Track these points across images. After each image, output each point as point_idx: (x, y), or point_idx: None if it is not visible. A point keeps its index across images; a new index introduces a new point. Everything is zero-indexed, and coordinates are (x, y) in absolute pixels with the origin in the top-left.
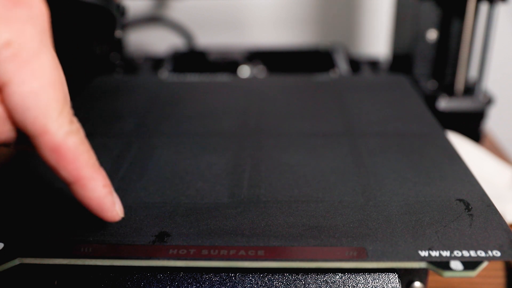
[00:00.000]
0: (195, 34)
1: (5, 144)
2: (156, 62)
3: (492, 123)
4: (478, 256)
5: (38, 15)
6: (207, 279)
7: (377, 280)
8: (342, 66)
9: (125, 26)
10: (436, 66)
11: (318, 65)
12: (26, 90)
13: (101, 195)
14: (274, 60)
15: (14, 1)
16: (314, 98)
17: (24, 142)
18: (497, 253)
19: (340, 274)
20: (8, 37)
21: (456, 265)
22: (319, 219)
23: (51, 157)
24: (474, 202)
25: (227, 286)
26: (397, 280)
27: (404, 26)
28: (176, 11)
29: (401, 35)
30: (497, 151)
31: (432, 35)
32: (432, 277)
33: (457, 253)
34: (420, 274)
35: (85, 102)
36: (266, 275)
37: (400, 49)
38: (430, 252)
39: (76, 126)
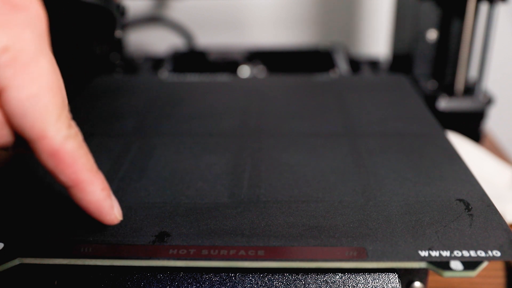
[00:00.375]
0: (195, 34)
1: (3, 148)
2: (156, 62)
3: (492, 123)
4: (478, 256)
5: (36, 19)
6: (207, 279)
7: (377, 280)
8: (342, 66)
9: (125, 26)
10: (436, 66)
11: (318, 65)
12: (24, 95)
13: (100, 198)
14: (274, 60)
15: (12, 5)
16: (314, 98)
17: (23, 145)
18: (497, 253)
19: (340, 274)
20: (6, 42)
21: (456, 265)
22: (319, 219)
23: (49, 162)
24: (474, 202)
25: (227, 286)
26: (397, 280)
27: (404, 26)
28: (176, 11)
29: (401, 35)
30: (497, 151)
31: (432, 35)
32: (432, 277)
33: (457, 253)
34: (420, 274)
35: (85, 102)
36: (266, 275)
37: (400, 49)
38: (430, 252)
39: (74, 130)
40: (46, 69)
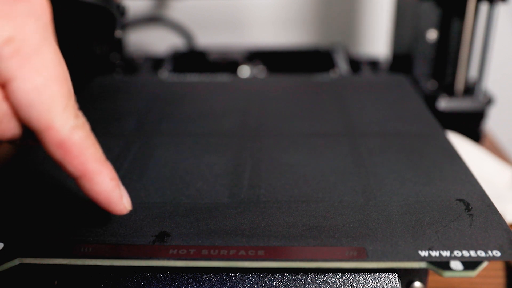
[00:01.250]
0: (195, 34)
1: (11, 141)
2: (156, 62)
3: (492, 123)
4: (478, 256)
5: (39, 10)
6: (207, 279)
7: (377, 280)
8: (342, 66)
9: (125, 26)
10: (436, 66)
11: (318, 65)
12: (29, 86)
13: (109, 188)
14: (274, 60)
15: None
16: (314, 98)
17: (30, 137)
18: (497, 253)
19: (340, 274)
20: (10, 33)
21: (456, 265)
22: (319, 219)
23: (57, 153)
24: (474, 202)
25: (227, 286)
26: (397, 280)
27: (404, 26)
28: (176, 11)
29: (401, 35)
30: (497, 151)
31: (432, 35)
32: (432, 277)
33: (457, 253)
34: (420, 274)
35: (85, 102)
36: (266, 275)
37: (400, 49)
38: (430, 252)
39: (82, 120)
40: (51, 60)
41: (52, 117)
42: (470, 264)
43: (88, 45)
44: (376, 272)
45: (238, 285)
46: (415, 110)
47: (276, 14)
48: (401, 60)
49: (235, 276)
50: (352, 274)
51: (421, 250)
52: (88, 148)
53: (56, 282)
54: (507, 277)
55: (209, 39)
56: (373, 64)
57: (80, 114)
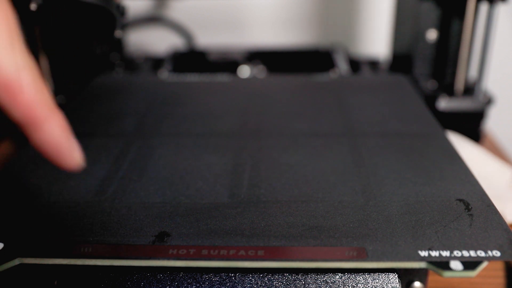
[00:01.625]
0: (195, 34)
1: None
2: (156, 62)
3: (492, 123)
4: (478, 256)
5: None
6: (207, 279)
7: (377, 280)
8: (342, 66)
9: (125, 26)
10: (436, 66)
11: (318, 65)
12: None
13: (58, 138)
14: (274, 60)
15: None
16: (314, 98)
17: None
18: (497, 253)
19: (340, 274)
20: None
21: (456, 265)
22: (319, 219)
23: (2, 94)
24: (474, 202)
25: (227, 286)
26: (397, 280)
27: (404, 26)
28: (176, 11)
29: (401, 35)
30: (497, 151)
31: (432, 35)
32: (432, 277)
33: (457, 253)
34: (420, 274)
35: (85, 102)
36: (266, 275)
37: (400, 49)
38: (430, 252)
39: (30, 62)
40: None
41: None
42: (470, 264)
43: (88, 45)
44: (376, 272)
45: (238, 285)
46: (415, 110)
47: (276, 14)
48: (401, 60)
49: (235, 276)
50: (352, 274)
51: (421, 250)
52: (36, 92)
53: (56, 282)
54: (507, 277)
55: (209, 39)
56: (373, 64)
57: (27, 55)
